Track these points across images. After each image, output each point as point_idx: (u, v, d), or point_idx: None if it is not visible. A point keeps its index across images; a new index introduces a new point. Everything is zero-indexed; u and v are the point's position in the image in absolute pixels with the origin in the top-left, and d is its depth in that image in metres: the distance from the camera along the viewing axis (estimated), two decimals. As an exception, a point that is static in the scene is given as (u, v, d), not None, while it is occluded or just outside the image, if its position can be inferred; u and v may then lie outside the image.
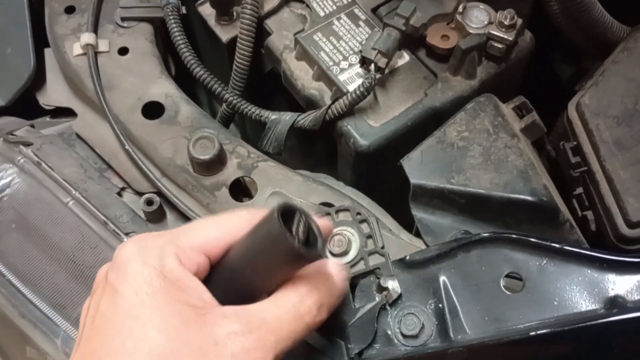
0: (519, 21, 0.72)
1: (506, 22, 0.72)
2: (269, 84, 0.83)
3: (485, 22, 0.74)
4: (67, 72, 0.77)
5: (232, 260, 0.48)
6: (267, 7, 0.79)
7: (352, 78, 0.74)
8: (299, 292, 0.47)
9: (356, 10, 0.79)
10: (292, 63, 0.77)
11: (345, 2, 0.80)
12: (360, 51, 0.73)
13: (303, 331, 0.46)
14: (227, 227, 0.48)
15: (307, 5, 0.80)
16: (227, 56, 0.80)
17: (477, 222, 0.68)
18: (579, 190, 0.69)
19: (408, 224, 0.70)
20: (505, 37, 0.73)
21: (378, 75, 0.72)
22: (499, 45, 0.73)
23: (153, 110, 0.72)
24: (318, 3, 0.80)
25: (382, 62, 0.71)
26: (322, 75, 0.75)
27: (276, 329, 0.45)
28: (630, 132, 0.65)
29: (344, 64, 0.75)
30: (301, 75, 0.76)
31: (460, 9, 0.75)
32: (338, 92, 0.73)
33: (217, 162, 0.68)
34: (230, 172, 0.69)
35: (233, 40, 0.78)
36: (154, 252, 0.46)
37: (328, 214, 0.61)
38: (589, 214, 0.68)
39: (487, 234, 0.57)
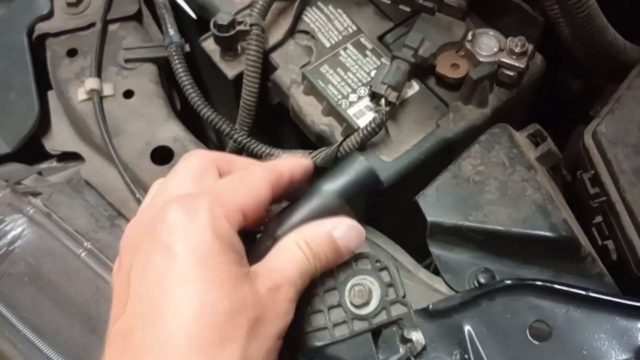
0: (530, 47, 0.71)
1: (517, 50, 0.71)
2: (277, 117, 0.82)
3: (496, 50, 0.72)
4: (72, 118, 0.76)
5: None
6: (272, 40, 0.78)
7: (361, 111, 0.73)
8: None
9: (362, 39, 0.78)
10: (300, 98, 0.75)
11: (351, 31, 0.78)
12: (370, 85, 0.71)
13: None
14: (255, 187, 0.52)
15: (313, 37, 0.78)
16: (233, 92, 0.78)
17: (496, 257, 0.66)
18: (599, 219, 0.68)
19: (421, 249, 0.68)
20: (517, 64, 0.71)
21: (388, 109, 0.70)
22: (511, 73, 0.72)
23: (162, 154, 0.71)
24: (323, 34, 0.78)
25: (392, 96, 0.70)
26: (332, 110, 0.74)
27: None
28: (650, 162, 0.64)
29: (352, 97, 0.74)
30: (310, 110, 0.75)
31: (469, 36, 0.73)
32: (349, 128, 0.72)
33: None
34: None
35: (239, 76, 0.77)
36: (205, 214, 0.47)
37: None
38: (610, 244, 0.67)
39: (510, 282, 0.56)
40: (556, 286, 0.54)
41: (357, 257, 0.60)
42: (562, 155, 0.74)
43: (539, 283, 0.55)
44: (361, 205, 0.75)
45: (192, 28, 0.85)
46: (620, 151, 0.65)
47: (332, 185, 0.61)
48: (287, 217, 0.57)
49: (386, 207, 0.74)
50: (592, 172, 0.67)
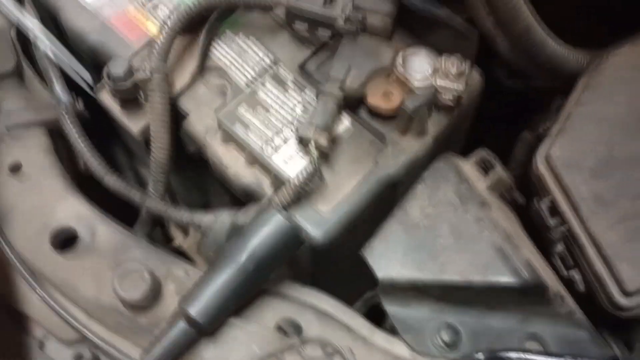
0: (467, 66, 0.64)
1: (453, 71, 0.64)
2: (198, 165, 0.72)
3: (430, 72, 0.65)
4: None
5: None
6: (179, 84, 0.68)
7: (290, 156, 0.65)
8: None
9: (281, 71, 0.69)
10: (219, 148, 0.66)
11: (268, 62, 0.69)
12: (297, 128, 0.63)
13: None
14: None
15: (225, 74, 0.69)
16: (144, 146, 0.68)
17: (458, 308, 0.60)
18: (560, 247, 0.62)
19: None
20: (455, 87, 0.64)
21: (319, 154, 0.62)
22: (449, 97, 0.65)
23: (64, 238, 0.60)
24: (237, 69, 0.69)
25: (322, 139, 0.62)
26: (256, 159, 0.65)
27: None
28: (610, 185, 0.59)
29: (277, 141, 0.65)
30: (231, 161, 0.66)
31: (399, 59, 0.66)
32: (277, 179, 0.64)
33: (151, 297, 0.57)
34: (169, 302, 0.58)
35: (147, 129, 0.67)
36: None
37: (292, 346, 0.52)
38: (575, 273, 0.62)
39: (482, 357, 0.49)
40: (530, 357, 0.48)
41: (303, 341, 0.52)
42: (512, 177, 0.68)
43: (513, 356, 0.48)
44: (304, 261, 0.67)
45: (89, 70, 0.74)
46: (577, 175, 0.59)
47: (244, 253, 0.55)
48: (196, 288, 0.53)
49: (331, 262, 0.66)
50: (549, 199, 0.61)
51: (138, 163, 0.84)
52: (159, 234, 0.82)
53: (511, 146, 0.77)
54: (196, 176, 0.78)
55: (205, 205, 0.82)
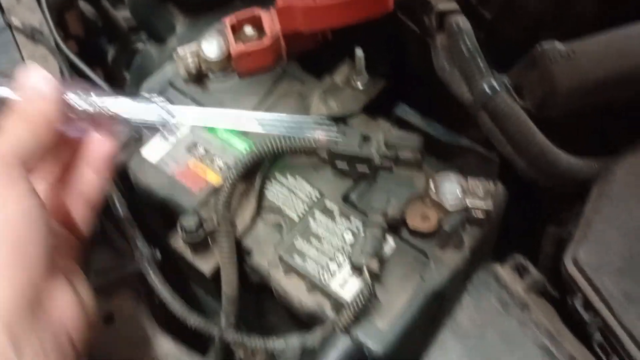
0: (492, 187, 0.73)
1: (480, 193, 0.73)
2: (261, 295, 0.80)
3: (460, 194, 0.74)
4: None
5: None
6: (240, 225, 0.77)
7: (345, 280, 0.73)
8: None
9: (327, 203, 0.78)
10: (282, 280, 0.75)
11: (315, 197, 0.79)
12: (350, 257, 0.72)
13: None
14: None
15: (280, 213, 0.78)
16: (213, 285, 0.77)
17: (514, 407, 0.67)
18: (599, 337, 0.69)
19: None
20: (483, 206, 0.73)
21: (372, 278, 0.71)
22: (480, 215, 0.73)
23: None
24: (289, 207, 0.79)
25: (373, 264, 0.70)
26: (315, 287, 0.73)
27: None
28: (636, 283, 0.66)
29: (332, 267, 0.74)
30: (294, 291, 0.74)
31: (431, 186, 0.75)
32: (337, 302, 0.72)
33: None
34: None
35: (216, 270, 0.76)
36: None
37: None
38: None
39: None
40: None
41: None
42: (544, 274, 0.75)
43: None
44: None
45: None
46: (605, 277, 0.67)
47: None
48: None
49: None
50: (582, 297, 0.69)
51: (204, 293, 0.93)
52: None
53: (538, 241, 0.85)
54: (259, 301, 0.86)
55: (267, 324, 0.90)
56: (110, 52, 1.19)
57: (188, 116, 0.67)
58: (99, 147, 0.64)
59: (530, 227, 0.89)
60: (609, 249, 0.67)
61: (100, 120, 0.62)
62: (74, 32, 1.11)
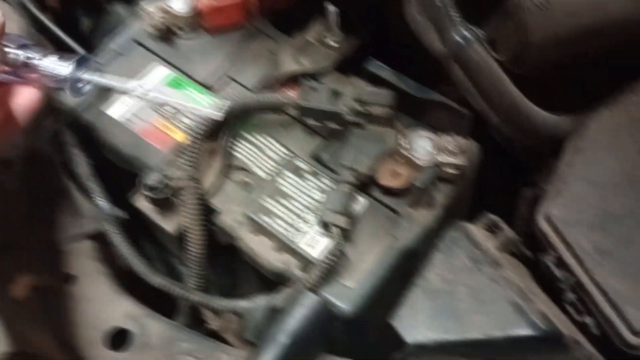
0: (464, 143, 0.71)
1: (452, 148, 0.71)
2: (230, 256, 0.78)
3: (432, 150, 0.72)
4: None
5: None
6: (207, 184, 0.75)
7: (314, 239, 0.71)
8: None
9: (297, 162, 0.76)
10: (249, 239, 0.73)
11: (284, 156, 0.77)
12: (320, 215, 0.70)
13: None
14: None
15: (248, 171, 0.76)
16: (179, 244, 0.75)
17: (484, 364, 0.65)
18: (571, 296, 0.68)
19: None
20: (456, 162, 0.71)
21: (342, 235, 0.69)
22: (452, 170, 0.72)
23: (118, 338, 0.67)
24: (258, 165, 0.76)
25: (343, 222, 0.69)
26: (284, 246, 0.71)
27: None
28: (608, 237, 0.64)
29: (302, 226, 0.72)
30: (262, 250, 0.72)
31: (403, 142, 0.73)
32: (305, 262, 0.70)
33: (205, 384, 0.63)
34: (221, 387, 0.64)
35: (180, 227, 0.74)
36: None
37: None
38: (588, 320, 0.67)
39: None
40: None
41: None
42: (518, 235, 0.74)
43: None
44: (337, 335, 0.72)
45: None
46: (577, 231, 0.65)
47: (284, 334, 0.62)
48: None
49: (361, 331, 0.72)
50: (555, 254, 0.67)
51: (168, 255, 0.90)
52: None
53: (511, 200, 0.84)
54: (226, 262, 0.84)
55: (235, 286, 0.89)
56: (87, 24, 1.16)
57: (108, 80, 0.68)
58: (24, 97, 0.64)
59: (506, 190, 0.87)
60: (581, 204, 0.66)
61: (28, 73, 0.64)
62: (50, 3, 1.08)
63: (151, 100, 0.69)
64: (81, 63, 0.66)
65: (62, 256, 0.71)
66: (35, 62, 0.64)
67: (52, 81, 0.65)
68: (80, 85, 0.67)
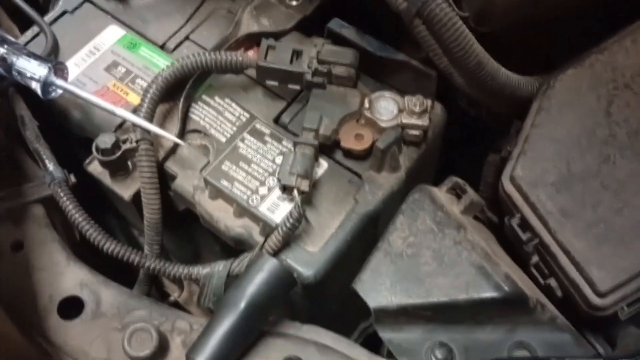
0: (428, 103, 0.69)
1: (416, 110, 0.69)
2: (189, 222, 0.76)
3: (395, 112, 0.70)
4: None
5: None
6: (164, 149, 0.72)
7: (275, 204, 0.69)
8: None
9: (258, 126, 0.74)
10: (208, 205, 0.70)
11: (244, 119, 0.74)
12: (279, 178, 0.67)
13: None
14: None
15: (206, 134, 0.73)
16: (136, 210, 0.72)
17: (448, 327, 0.64)
18: (535, 258, 0.67)
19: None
20: (420, 123, 0.69)
21: (302, 199, 0.67)
22: (416, 132, 0.70)
23: (71, 306, 0.64)
24: (216, 129, 0.74)
25: (304, 184, 0.66)
26: (244, 210, 0.69)
27: None
28: (572, 197, 0.64)
29: (262, 190, 0.70)
30: (221, 215, 0.70)
31: (366, 103, 0.71)
32: (266, 226, 0.68)
33: (160, 352, 0.61)
34: (177, 355, 0.62)
35: (137, 194, 0.71)
36: None
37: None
38: (552, 282, 0.66)
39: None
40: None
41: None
42: (483, 199, 0.73)
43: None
44: (299, 301, 0.71)
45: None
46: (541, 192, 0.64)
47: (243, 300, 0.60)
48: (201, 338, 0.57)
49: (324, 296, 0.70)
50: (519, 216, 0.66)
51: (129, 225, 0.88)
52: (154, 291, 0.85)
53: (480, 169, 0.83)
54: (186, 231, 0.82)
55: (197, 256, 0.86)
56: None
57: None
58: None
59: (471, 155, 0.86)
60: (546, 164, 0.65)
61: None
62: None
63: (134, 123, 0.69)
64: (57, 69, 0.69)
65: (11, 223, 0.68)
66: (13, 59, 0.68)
67: (24, 79, 0.69)
68: (51, 89, 0.70)
